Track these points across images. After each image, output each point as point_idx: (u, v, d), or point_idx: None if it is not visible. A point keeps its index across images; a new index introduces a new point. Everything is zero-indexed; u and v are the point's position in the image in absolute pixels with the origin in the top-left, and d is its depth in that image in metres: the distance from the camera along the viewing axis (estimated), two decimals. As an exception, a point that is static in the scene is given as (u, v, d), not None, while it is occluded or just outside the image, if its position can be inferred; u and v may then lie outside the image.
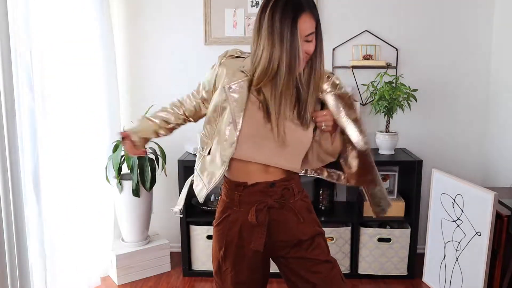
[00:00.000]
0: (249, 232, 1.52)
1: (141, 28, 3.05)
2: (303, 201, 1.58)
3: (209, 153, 1.54)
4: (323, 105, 1.53)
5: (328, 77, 1.53)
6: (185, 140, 3.03)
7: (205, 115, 1.61)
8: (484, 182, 2.99)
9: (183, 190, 1.76)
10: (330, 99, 1.49)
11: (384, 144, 2.87)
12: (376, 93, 2.82)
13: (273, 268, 1.61)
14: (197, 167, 1.62)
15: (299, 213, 1.54)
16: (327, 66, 3.00)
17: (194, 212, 2.90)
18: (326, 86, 1.51)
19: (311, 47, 1.45)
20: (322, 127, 1.50)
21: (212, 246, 1.63)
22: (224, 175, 1.57)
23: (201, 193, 1.59)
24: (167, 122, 1.67)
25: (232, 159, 1.48)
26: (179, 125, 1.71)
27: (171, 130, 1.71)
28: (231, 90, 1.46)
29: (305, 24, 1.41)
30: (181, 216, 1.73)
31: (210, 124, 1.54)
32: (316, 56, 1.48)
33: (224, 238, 1.56)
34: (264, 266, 1.61)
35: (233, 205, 1.54)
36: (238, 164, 1.50)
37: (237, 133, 1.45)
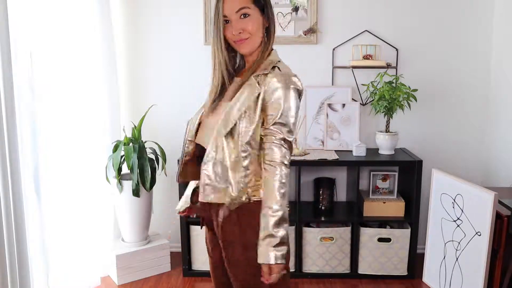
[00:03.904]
0: None
1: (141, 28, 3.05)
2: None
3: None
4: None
5: (274, 68, 1.48)
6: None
7: None
8: (484, 182, 2.99)
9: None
10: None
11: (384, 144, 2.87)
12: (376, 93, 2.82)
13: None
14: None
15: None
16: (328, 66, 3.01)
17: (194, 212, 2.90)
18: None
19: (231, 28, 1.46)
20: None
21: None
22: None
23: None
24: None
25: None
26: None
27: None
28: None
29: (226, 4, 1.45)
30: (183, 215, 1.68)
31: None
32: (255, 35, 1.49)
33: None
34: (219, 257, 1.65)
35: None
36: None
37: None
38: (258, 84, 1.44)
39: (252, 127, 1.43)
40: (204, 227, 1.68)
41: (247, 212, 1.46)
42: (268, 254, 1.37)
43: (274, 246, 1.37)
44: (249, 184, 1.45)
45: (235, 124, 1.43)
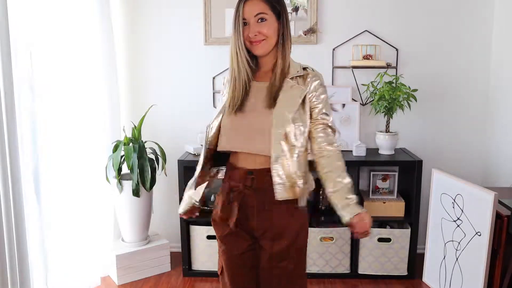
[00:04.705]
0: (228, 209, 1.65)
1: (141, 28, 3.05)
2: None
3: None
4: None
5: (305, 69, 1.62)
6: (185, 140, 3.03)
7: None
8: (484, 182, 2.99)
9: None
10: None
11: (384, 144, 2.87)
12: (376, 93, 2.82)
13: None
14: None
15: (264, 203, 1.58)
16: (328, 66, 3.01)
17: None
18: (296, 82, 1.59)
19: (248, 30, 1.56)
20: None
21: None
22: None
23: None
24: None
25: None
26: None
27: None
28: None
29: (246, 8, 1.56)
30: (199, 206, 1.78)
31: None
32: (273, 38, 1.59)
33: (214, 209, 1.71)
34: (246, 248, 1.65)
35: (224, 180, 1.69)
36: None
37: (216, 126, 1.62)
38: (299, 85, 1.58)
39: (306, 127, 1.58)
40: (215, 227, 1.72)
41: (292, 204, 1.58)
42: (355, 208, 1.53)
43: (354, 204, 1.55)
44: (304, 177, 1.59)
45: (289, 126, 1.54)
